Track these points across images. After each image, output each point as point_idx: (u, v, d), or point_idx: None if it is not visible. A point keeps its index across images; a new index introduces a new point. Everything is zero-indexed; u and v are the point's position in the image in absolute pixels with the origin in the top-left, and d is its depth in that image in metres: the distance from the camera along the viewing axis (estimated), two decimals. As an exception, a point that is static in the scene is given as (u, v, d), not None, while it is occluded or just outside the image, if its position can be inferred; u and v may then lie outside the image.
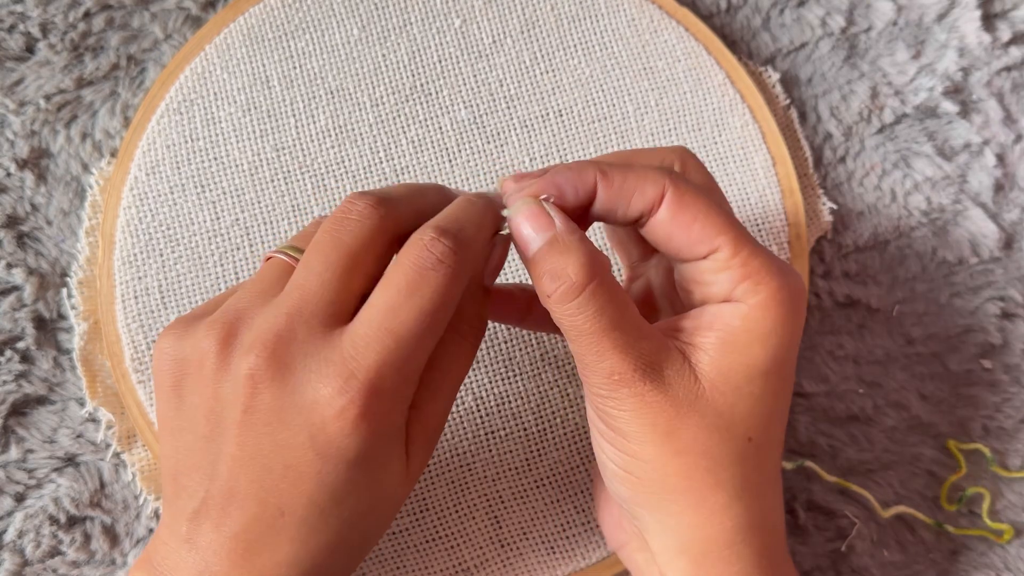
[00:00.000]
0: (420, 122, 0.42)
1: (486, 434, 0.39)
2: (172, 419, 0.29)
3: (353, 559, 0.29)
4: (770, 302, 0.28)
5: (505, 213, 0.29)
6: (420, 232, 0.28)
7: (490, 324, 0.40)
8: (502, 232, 0.31)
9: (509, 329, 0.40)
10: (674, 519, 0.29)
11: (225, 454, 0.27)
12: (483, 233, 0.29)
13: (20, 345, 0.40)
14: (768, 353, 0.28)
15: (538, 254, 0.28)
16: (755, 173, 0.42)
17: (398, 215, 0.29)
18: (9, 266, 0.41)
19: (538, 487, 0.38)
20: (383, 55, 0.42)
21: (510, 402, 0.39)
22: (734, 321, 0.28)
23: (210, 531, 0.27)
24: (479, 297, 0.31)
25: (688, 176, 0.31)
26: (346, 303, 0.28)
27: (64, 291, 0.41)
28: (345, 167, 0.41)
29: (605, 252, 0.35)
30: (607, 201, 0.29)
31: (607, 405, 0.28)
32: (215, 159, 0.41)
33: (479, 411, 0.39)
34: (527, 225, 0.28)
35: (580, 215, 0.30)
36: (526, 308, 0.34)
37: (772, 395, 0.28)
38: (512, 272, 0.40)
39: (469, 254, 0.28)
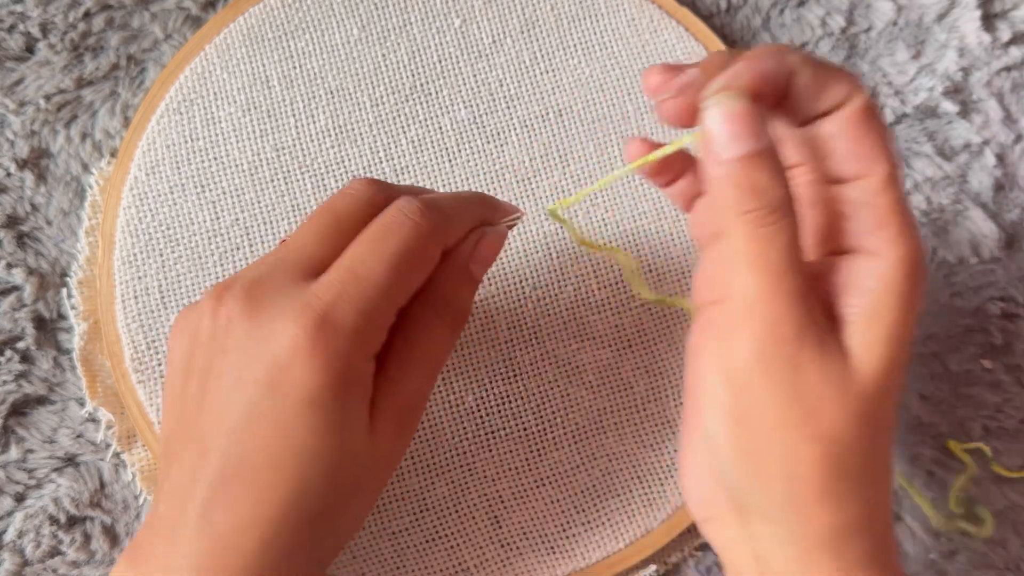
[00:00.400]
0: (420, 122, 0.42)
1: (486, 434, 0.39)
2: (177, 394, 0.29)
3: (320, 537, 0.28)
4: (907, 262, 0.25)
5: (705, 103, 0.25)
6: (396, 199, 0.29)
7: (489, 325, 0.40)
8: (502, 224, 0.32)
9: (509, 329, 0.40)
10: (790, 507, 0.26)
11: (204, 407, 0.27)
12: (464, 211, 0.30)
13: (20, 345, 0.40)
14: (906, 322, 0.25)
15: (741, 163, 0.25)
16: (755, 173, 0.42)
17: (388, 194, 0.30)
18: (9, 266, 0.41)
19: (538, 487, 0.38)
20: (383, 55, 0.42)
21: (510, 402, 0.39)
22: (872, 283, 0.26)
23: (184, 499, 0.27)
24: (462, 281, 0.31)
25: None
26: (327, 260, 0.28)
27: (64, 291, 0.41)
28: (345, 167, 0.41)
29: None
30: (802, 90, 0.26)
31: (755, 369, 0.25)
32: (215, 159, 0.41)
33: (479, 411, 0.39)
34: (731, 123, 0.25)
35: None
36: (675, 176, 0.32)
37: (900, 380, 0.26)
38: (502, 272, 0.40)
39: (441, 219, 0.29)
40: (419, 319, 0.29)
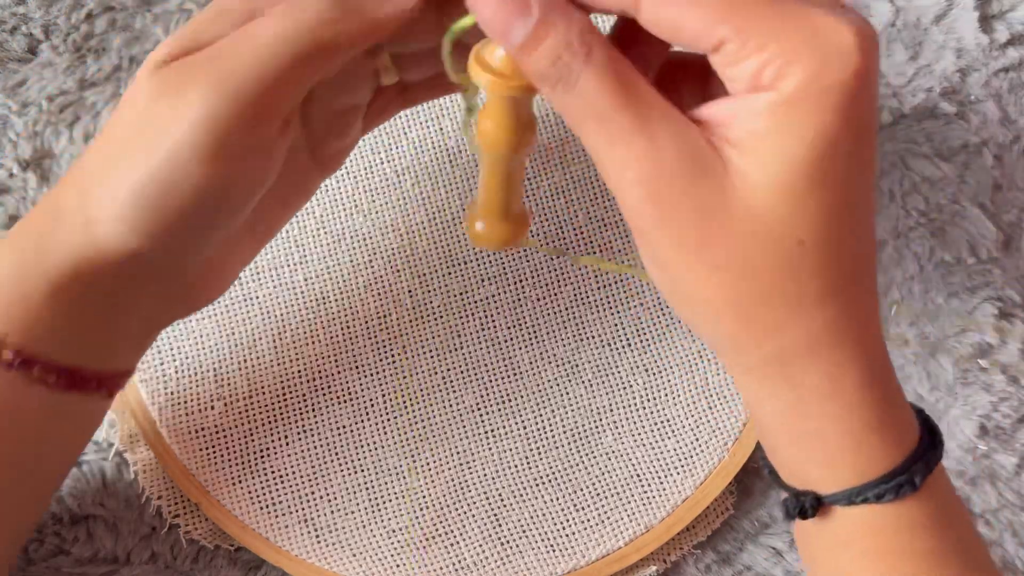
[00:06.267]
0: (421, 123, 0.42)
1: (486, 432, 0.39)
2: None
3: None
4: (803, 91, 0.22)
5: None
6: None
7: (489, 325, 0.40)
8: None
9: (509, 328, 0.40)
10: (729, 340, 0.26)
11: None
12: None
13: (23, 345, 0.40)
14: (807, 147, 0.22)
15: (522, 49, 0.24)
16: (754, 174, 0.43)
17: None
18: (12, 266, 0.41)
19: (537, 485, 0.39)
20: (384, 56, 0.43)
21: (509, 401, 0.39)
22: (760, 109, 0.23)
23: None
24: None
25: None
26: None
27: (67, 291, 0.41)
28: (346, 168, 0.41)
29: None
30: None
31: (629, 213, 0.24)
32: (217, 160, 0.41)
33: (479, 409, 0.39)
34: (493, 9, 0.24)
35: None
36: None
37: (824, 192, 0.23)
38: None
39: None
40: None
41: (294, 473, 0.38)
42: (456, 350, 0.40)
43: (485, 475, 0.39)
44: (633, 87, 0.23)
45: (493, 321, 0.40)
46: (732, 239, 0.24)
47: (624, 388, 0.40)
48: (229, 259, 0.31)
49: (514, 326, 0.40)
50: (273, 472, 0.38)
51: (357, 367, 0.39)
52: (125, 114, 0.27)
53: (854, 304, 0.25)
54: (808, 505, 0.27)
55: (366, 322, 0.40)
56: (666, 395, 0.40)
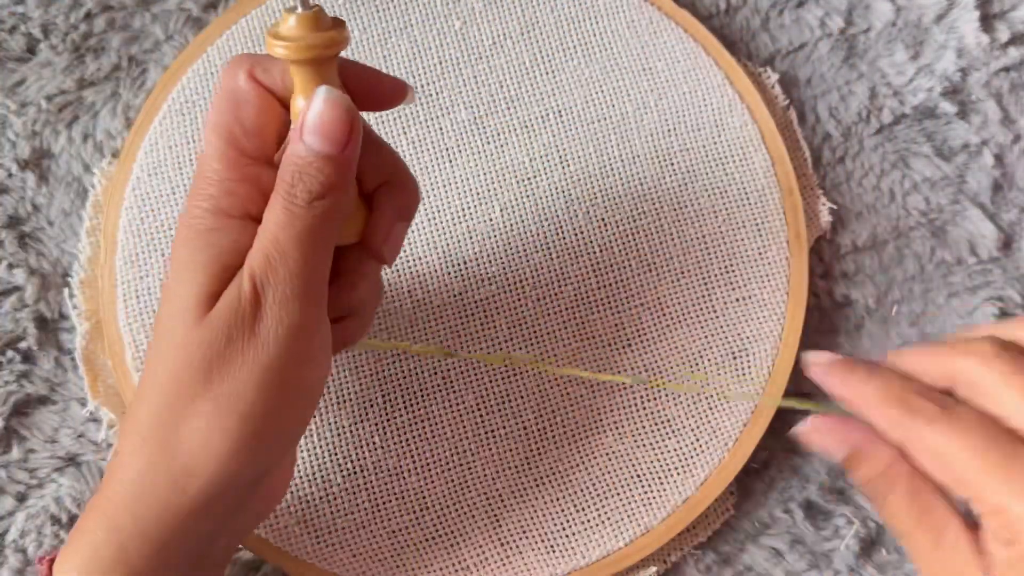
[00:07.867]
0: (420, 123, 0.42)
1: (486, 432, 0.39)
2: None
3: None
4: None
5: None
6: None
7: (489, 325, 0.40)
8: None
9: (509, 328, 0.40)
10: None
11: None
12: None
13: (22, 345, 0.40)
14: None
15: (845, 466, 0.28)
16: (755, 173, 0.42)
17: None
18: (11, 266, 0.41)
19: (538, 485, 0.39)
20: (384, 56, 0.43)
21: (510, 401, 0.39)
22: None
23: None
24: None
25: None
26: None
27: (66, 291, 0.41)
28: (345, 167, 0.41)
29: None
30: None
31: None
32: (216, 160, 0.41)
33: (479, 409, 0.39)
34: (821, 440, 0.29)
35: None
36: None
37: None
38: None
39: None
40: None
41: (294, 473, 0.38)
42: (457, 350, 0.40)
43: (485, 475, 0.39)
44: (929, 512, 0.27)
45: (493, 321, 0.40)
46: None
47: (625, 388, 0.40)
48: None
49: (515, 327, 0.40)
50: (272, 472, 0.38)
51: (356, 367, 0.39)
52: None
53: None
54: None
55: (366, 322, 0.40)
56: (666, 395, 0.40)
